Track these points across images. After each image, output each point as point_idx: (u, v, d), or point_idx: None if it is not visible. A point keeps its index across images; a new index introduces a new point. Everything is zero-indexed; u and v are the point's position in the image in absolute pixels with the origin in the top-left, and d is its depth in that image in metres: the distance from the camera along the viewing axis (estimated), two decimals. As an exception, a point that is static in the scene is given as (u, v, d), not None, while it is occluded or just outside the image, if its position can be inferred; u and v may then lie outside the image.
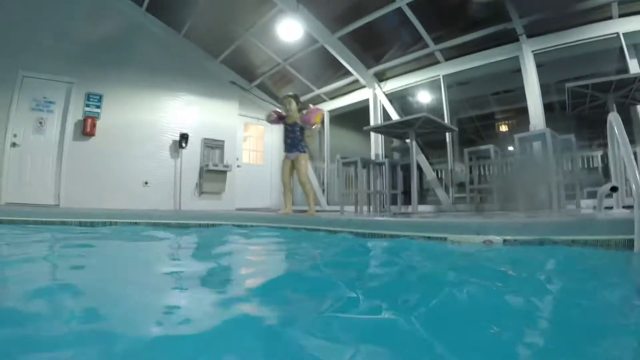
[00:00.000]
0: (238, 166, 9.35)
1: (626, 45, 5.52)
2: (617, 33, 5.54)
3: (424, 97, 7.99)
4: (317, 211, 5.33)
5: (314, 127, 5.20)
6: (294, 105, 5.13)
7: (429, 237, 3.11)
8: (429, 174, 7.02)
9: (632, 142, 5.77)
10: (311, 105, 5.28)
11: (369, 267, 2.30)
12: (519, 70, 6.85)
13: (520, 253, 2.54)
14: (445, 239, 3.03)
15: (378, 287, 1.65)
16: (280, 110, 5.50)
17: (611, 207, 3.13)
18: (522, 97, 9.16)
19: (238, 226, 4.44)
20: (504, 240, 2.81)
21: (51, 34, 7.06)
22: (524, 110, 9.33)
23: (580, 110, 5.41)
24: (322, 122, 9.12)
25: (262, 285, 1.66)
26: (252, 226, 4.45)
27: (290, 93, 5.28)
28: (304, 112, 5.12)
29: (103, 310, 1.14)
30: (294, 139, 5.10)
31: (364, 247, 2.85)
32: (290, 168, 5.14)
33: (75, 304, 1.23)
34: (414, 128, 5.89)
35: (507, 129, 10.58)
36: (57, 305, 1.22)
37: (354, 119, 9.39)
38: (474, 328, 1.07)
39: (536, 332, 1.10)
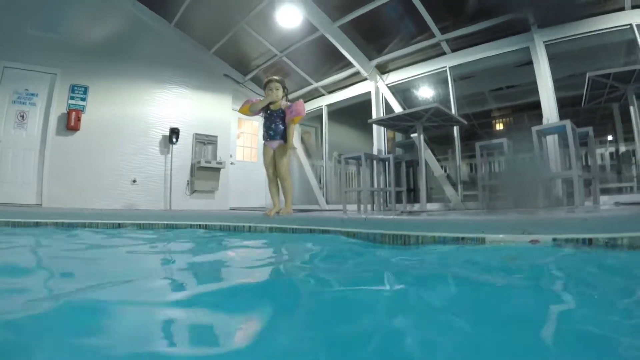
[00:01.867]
0: (232, 163, 8.89)
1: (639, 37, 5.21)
2: (630, 24, 5.26)
3: (429, 90, 7.60)
4: (316, 210, 4.88)
5: (295, 123, 4.39)
6: (280, 92, 4.34)
7: (462, 239, 2.70)
8: (437, 170, 6.63)
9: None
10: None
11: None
12: (524, 64, 6.64)
13: (585, 256, 2.15)
14: (483, 240, 2.63)
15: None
16: (259, 98, 4.69)
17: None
18: (527, 92, 8.99)
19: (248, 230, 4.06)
20: (554, 240, 2.42)
21: (34, 23, 6.62)
22: (528, 106, 9.15)
23: (597, 103, 5.14)
24: (320, 117, 8.75)
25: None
26: (254, 228, 4.03)
27: (277, 77, 4.44)
28: (288, 103, 4.42)
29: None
30: (277, 128, 4.32)
31: (399, 255, 2.46)
32: (273, 158, 4.40)
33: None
34: (422, 121, 5.50)
35: (505, 126, 10.35)
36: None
37: (353, 114, 9.01)
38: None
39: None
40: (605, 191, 5.38)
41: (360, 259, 2.53)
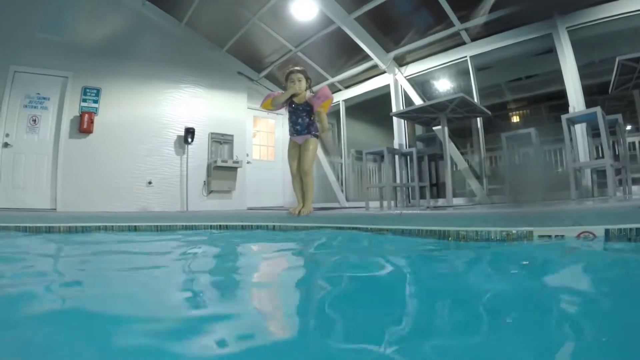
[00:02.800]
0: (248, 162, 8.75)
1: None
2: None
3: (449, 82, 7.40)
4: (337, 208, 4.67)
5: (325, 109, 4.09)
6: (304, 83, 4.08)
7: (507, 234, 2.53)
8: (461, 163, 6.43)
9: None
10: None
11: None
12: (543, 53, 6.48)
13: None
14: (531, 233, 2.46)
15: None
16: (281, 92, 4.38)
17: None
18: (546, 82, 8.75)
19: (272, 229, 3.89)
20: (607, 232, 2.24)
21: (44, 26, 6.53)
22: (548, 96, 8.90)
23: (624, 89, 4.86)
24: (337, 113, 8.59)
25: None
26: (278, 227, 3.88)
27: (299, 67, 4.17)
28: (312, 94, 4.16)
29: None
30: (303, 122, 4.09)
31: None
32: (298, 154, 4.17)
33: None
34: (446, 112, 5.32)
35: (523, 117, 10.09)
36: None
37: (370, 109, 8.84)
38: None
39: None
40: (634, 181, 5.15)
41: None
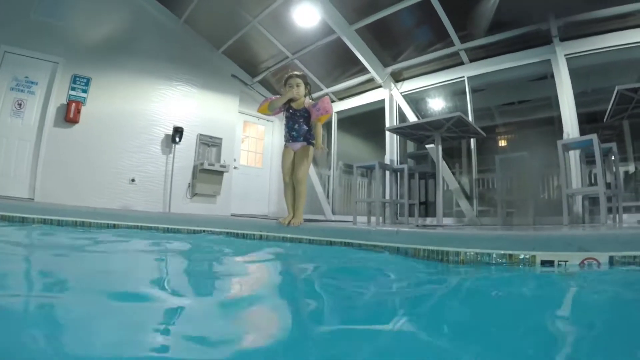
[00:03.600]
0: (235, 167, 8.58)
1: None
2: None
3: (444, 101, 7.38)
4: (323, 220, 4.52)
5: (322, 122, 3.99)
6: (302, 89, 3.91)
7: (509, 255, 2.43)
8: (452, 183, 6.38)
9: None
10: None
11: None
12: (538, 79, 6.59)
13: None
14: (533, 258, 2.36)
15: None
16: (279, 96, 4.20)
17: None
18: (538, 108, 8.81)
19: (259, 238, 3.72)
20: (611, 259, 2.16)
21: (40, 8, 6.30)
22: (540, 122, 8.95)
23: (619, 118, 4.93)
24: (329, 124, 8.50)
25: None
26: (265, 237, 3.72)
27: (298, 72, 4.02)
28: (312, 101, 4.00)
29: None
30: (300, 129, 3.92)
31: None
32: (293, 162, 3.97)
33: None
34: (441, 131, 5.26)
35: (512, 142, 10.12)
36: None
37: (362, 123, 8.78)
38: None
39: None
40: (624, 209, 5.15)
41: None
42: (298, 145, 3.95)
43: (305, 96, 3.96)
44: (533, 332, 1.19)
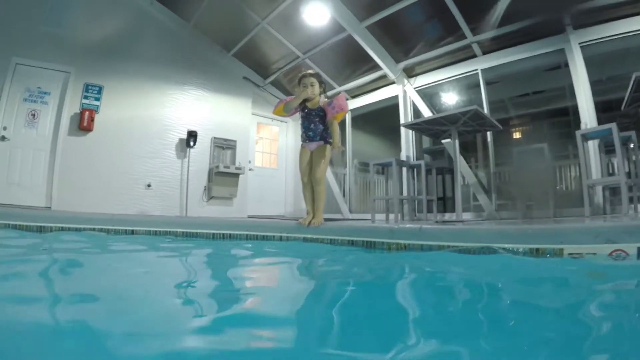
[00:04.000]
0: (250, 169, 8.59)
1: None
2: None
3: (458, 95, 7.31)
4: (340, 219, 4.45)
5: (338, 120, 3.89)
6: (317, 87, 3.84)
7: (536, 250, 2.39)
8: (470, 177, 6.31)
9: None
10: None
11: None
12: (552, 69, 6.54)
13: None
14: (561, 250, 2.32)
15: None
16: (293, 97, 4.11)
17: None
18: (553, 99, 8.69)
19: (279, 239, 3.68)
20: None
21: (49, 19, 6.37)
22: (555, 113, 8.83)
23: (636, 106, 4.85)
24: (343, 123, 8.45)
25: None
26: (285, 238, 3.70)
27: (312, 71, 3.96)
28: (327, 100, 3.91)
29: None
30: (317, 128, 3.85)
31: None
32: (310, 162, 3.91)
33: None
34: (457, 125, 5.21)
35: (530, 133, 9.99)
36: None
37: (376, 120, 8.74)
38: None
39: None
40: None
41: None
42: (314, 145, 3.89)
43: (320, 95, 3.89)
44: None
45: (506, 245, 2.45)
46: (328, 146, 3.86)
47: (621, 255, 2.13)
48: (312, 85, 3.81)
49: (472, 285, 1.94)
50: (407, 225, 3.08)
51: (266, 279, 2.32)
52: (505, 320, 1.33)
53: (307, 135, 3.91)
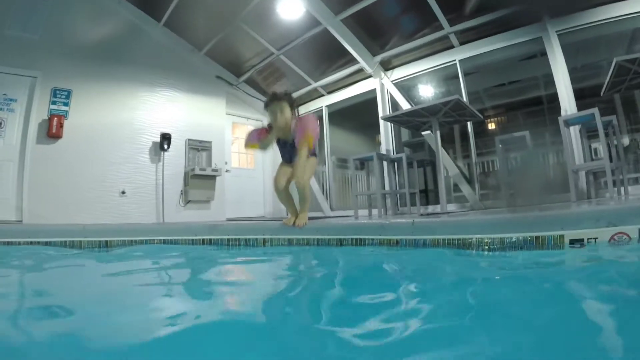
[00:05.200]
0: (227, 171, 8.36)
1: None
2: None
3: (436, 87, 7.27)
4: (322, 217, 4.28)
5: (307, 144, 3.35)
6: (288, 112, 3.33)
7: (536, 238, 2.29)
8: (451, 169, 6.24)
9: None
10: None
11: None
12: (528, 58, 6.60)
13: None
14: (562, 237, 2.22)
15: None
16: (261, 127, 3.71)
17: None
18: (528, 88, 8.78)
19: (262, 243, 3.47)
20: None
21: (11, 22, 6.04)
22: (530, 102, 8.92)
23: (616, 91, 4.87)
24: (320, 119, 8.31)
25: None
26: (269, 241, 3.51)
27: (279, 92, 3.42)
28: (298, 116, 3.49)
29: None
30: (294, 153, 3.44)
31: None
32: (290, 175, 3.47)
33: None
34: (438, 116, 5.11)
35: (507, 123, 10.06)
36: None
37: (354, 116, 8.64)
38: None
39: None
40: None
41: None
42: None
43: (292, 120, 3.40)
44: None
45: (505, 235, 2.35)
46: (313, 157, 3.50)
47: (623, 238, 2.07)
48: (281, 112, 3.31)
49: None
50: (399, 220, 2.94)
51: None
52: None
53: (285, 159, 3.59)
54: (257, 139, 3.52)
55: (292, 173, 3.43)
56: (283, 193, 3.53)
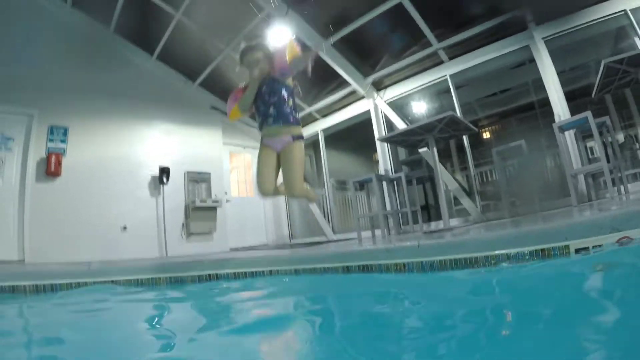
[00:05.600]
0: (227, 201, 8.35)
1: (636, 22, 5.03)
2: (625, 10, 5.08)
3: (429, 103, 7.33)
4: (325, 242, 4.18)
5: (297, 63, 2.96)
6: (263, 63, 2.93)
7: (542, 250, 2.28)
8: (450, 183, 6.24)
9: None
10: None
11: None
12: (518, 66, 6.71)
13: None
14: (567, 248, 2.22)
15: None
16: (243, 85, 3.13)
17: None
18: (520, 95, 8.86)
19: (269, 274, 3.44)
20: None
21: (6, 59, 6.08)
22: (524, 108, 8.99)
23: (607, 91, 4.95)
24: (316, 143, 8.33)
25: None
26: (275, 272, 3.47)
27: (253, 42, 3.01)
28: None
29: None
30: (279, 104, 2.89)
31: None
32: (275, 166, 2.98)
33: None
34: (434, 133, 5.14)
35: (502, 132, 10.11)
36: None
37: (349, 137, 8.66)
38: None
39: None
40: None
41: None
42: (279, 142, 2.92)
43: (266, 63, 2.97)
44: None
45: (511, 251, 2.34)
46: (298, 142, 2.94)
47: (627, 242, 2.05)
48: (257, 63, 2.93)
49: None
50: (404, 244, 2.92)
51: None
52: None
53: (267, 122, 2.91)
54: (235, 101, 3.09)
55: (276, 168, 3.01)
56: (273, 194, 3.09)
